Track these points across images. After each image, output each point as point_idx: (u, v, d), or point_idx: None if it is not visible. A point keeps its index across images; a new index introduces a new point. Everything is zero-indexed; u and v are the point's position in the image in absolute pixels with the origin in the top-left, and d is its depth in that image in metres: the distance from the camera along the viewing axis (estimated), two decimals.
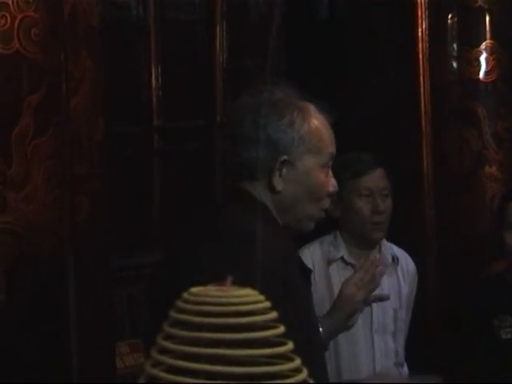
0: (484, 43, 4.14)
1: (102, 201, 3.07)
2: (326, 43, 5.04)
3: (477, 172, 4.14)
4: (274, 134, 1.99)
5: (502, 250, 3.25)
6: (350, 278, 2.48)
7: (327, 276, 3.02)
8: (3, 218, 2.66)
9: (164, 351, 1.07)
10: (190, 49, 5.12)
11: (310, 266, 2.64)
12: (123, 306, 4.69)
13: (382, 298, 2.66)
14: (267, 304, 1.10)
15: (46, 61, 2.73)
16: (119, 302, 4.54)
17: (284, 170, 2.00)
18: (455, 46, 4.18)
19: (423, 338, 3.72)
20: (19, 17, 2.66)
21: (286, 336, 1.73)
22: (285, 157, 1.99)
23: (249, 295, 1.09)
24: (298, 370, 1.06)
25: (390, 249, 3.16)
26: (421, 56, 4.24)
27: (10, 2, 2.64)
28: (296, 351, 1.75)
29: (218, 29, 5.06)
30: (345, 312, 2.37)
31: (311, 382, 1.08)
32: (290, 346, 1.08)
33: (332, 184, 2.08)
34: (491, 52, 4.12)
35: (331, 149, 2.07)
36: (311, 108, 2.05)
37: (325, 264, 3.05)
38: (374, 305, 2.83)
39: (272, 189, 2.00)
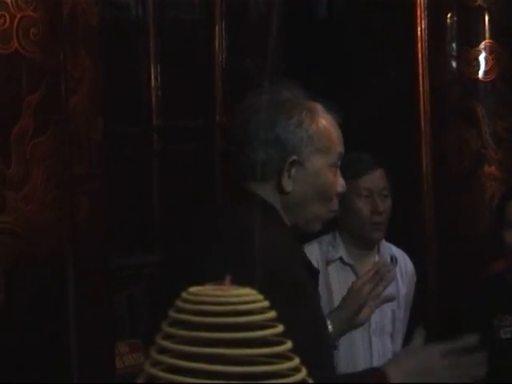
0: (483, 43, 4.14)
1: (101, 201, 3.07)
2: (326, 43, 5.04)
3: (476, 171, 4.15)
4: (283, 134, 1.98)
5: (502, 249, 3.25)
6: (361, 276, 2.46)
7: (326, 276, 3.02)
8: (2, 218, 2.66)
9: (163, 351, 1.07)
10: (190, 49, 5.12)
11: None
12: (123, 305, 4.70)
13: (389, 300, 2.66)
14: (266, 303, 1.10)
15: (45, 60, 2.73)
16: (119, 301, 4.55)
17: (293, 171, 1.98)
18: (454, 45, 4.18)
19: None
20: (18, 16, 2.66)
21: (296, 335, 1.73)
22: (294, 157, 1.98)
23: (248, 295, 1.09)
24: (296, 370, 1.06)
25: (389, 249, 3.16)
26: (420, 56, 4.24)
27: (9, 2, 2.64)
28: (305, 350, 1.74)
29: (217, 29, 5.07)
30: (350, 309, 2.35)
31: (310, 381, 1.08)
32: (289, 345, 1.08)
33: (340, 184, 2.07)
34: (490, 51, 4.12)
35: (340, 148, 2.06)
36: (319, 108, 2.04)
37: (323, 264, 3.05)
38: None
39: (281, 189, 1.99)
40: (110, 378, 3.10)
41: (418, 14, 4.22)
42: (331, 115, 2.06)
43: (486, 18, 4.14)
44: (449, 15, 4.19)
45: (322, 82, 4.55)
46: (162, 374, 1.05)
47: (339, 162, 2.07)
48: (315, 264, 3.00)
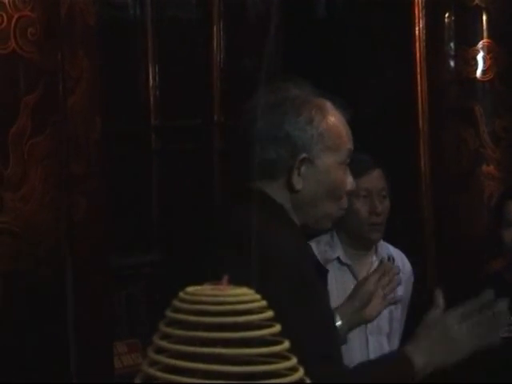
0: (481, 42, 4.14)
1: (99, 200, 3.07)
2: (324, 43, 5.04)
3: (474, 171, 4.15)
4: (293, 132, 1.95)
5: (501, 248, 3.25)
6: (372, 272, 2.45)
7: None
8: (1, 218, 2.66)
9: (160, 350, 1.07)
10: (188, 48, 5.12)
11: None
12: (121, 305, 4.70)
13: (397, 301, 2.66)
14: (263, 303, 1.10)
15: (43, 60, 2.73)
16: (118, 301, 4.55)
17: (303, 169, 1.96)
18: (452, 44, 4.18)
19: None
20: (16, 16, 2.65)
21: (307, 332, 1.72)
22: (304, 155, 1.96)
23: (245, 294, 1.09)
24: (294, 369, 1.06)
25: (386, 249, 3.16)
26: (418, 55, 4.24)
27: (7, 2, 2.64)
28: (317, 346, 1.74)
29: (215, 28, 5.07)
30: (358, 301, 2.33)
31: (308, 381, 1.08)
32: (286, 344, 1.08)
33: (350, 181, 2.05)
34: (488, 51, 4.12)
35: (349, 145, 2.04)
36: (328, 105, 2.02)
37: None
38: None
39: (291, 188, 1.97)
40: (108, 377, 3.10)
41: (416, 13, 4.22)
42: (340, 112, 2.04)
43: (484, 18, 4.14)
44: (447, 15, 4.19)
45: (320, 82, 4.55)
46: (159, 374, 1.05)
47: (348, 160, 2.05)
48: None
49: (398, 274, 2.48)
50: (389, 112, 4.45)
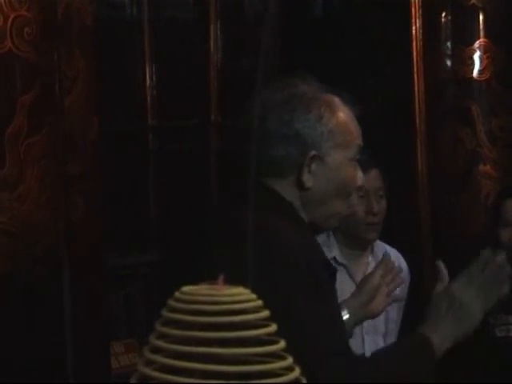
0: (478, 41, 4.14)
1: (96, 200, 3.06)
2: (321, 42, 5.04)
3: (471, 170, 4.15)
4: (302, 129, 1.94)
5: (498, 247, 3.25)
6: (376, 267, 2.45)
7: None
8: None
9: (156, 350, 1.07)
10: (185, 48, 5.12)
11: None
12: (119, 305, 4.70)
13: (399, 299, 2.65)
14: (259, 302, 1.10)
15: (39, 60, 2.72)
16: (115, 301, 4.55)
17: (313, 166, 1.94)
18: (449, 44, 4.18)
19: None
20: (12, 16, 2.65)
21: (319, 327, 1.72)
22: (314, 152, 1.94)
23: (241, 294, 1.09)
24: (289, 369, 1.06)
25: (383, 249, 3.16)
26: (415, 55, 4.24)
27: (3, 1, 2.63)
28: (328, 340, 1.73)
29: (212, 28, 5.07)
30: (364, 295, 2.32)
31: (303, 380, 1.07)
32: (282, 344, 1.08)
33: (360, 177, 2.04)
34: (485, 50, 4.13)
35: (358, 141, 2.03)
36: (337, 101, 2.00)
37: None
38: None
39: (301, 186, 1.95)
40: (105, 377, 3.09)
41: (413, 13, 4.22)
42: (348, 107, 2.02)
43: (481, 17, 4.14)
44: (443, 14, 4.19)
45: (318, 81, 4.55)
46: (155, 374, 1.05)
47: (358, 155, 2.03)
48: None
49: (401, 272, 2.48)
50: (386, 111, 4.46)
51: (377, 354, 1.99)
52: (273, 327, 1.09)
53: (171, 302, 1.09)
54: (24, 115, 2.69)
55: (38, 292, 2.75)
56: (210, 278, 1.12)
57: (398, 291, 2.49)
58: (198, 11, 5.13)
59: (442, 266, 2.02)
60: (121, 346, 4.09)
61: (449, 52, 4.18)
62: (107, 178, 3.33)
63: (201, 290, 1.09)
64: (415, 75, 4.24)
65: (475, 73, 4.15)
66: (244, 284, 1.16)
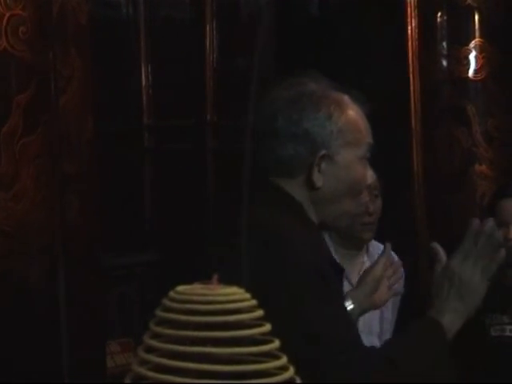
0: (473, 41, 4.14)
1: (91, 200, 3.06)
2: (317, 42, 5.04)
3: (467, 170, 4.15)
4: (312, 128, 1.91)
5: None
6: (378, 258, 2.45)
7: None
8: None
9: (150, 350, 1.07)
10: (181, 48, 5.12)
11: None
12: (115, 305, 4.70)
13: (398, 293, 2.65)
14: (254, 302, 1.10)
15: (35, 59, 2.72)
16: (111, 301, 4.55)
17: (323, 165, 1.92)
18: (445, 44, 4.18)
19: None
20: (7, 15, 2.65)
21: (329, 324, 1.72)
22: (323, 151, 1.92)
23: (235, 293, 1.09)
24: (284, 368, 1.06)
25: (378, 248, 3.16)
26: (410, 55, 4.24)
27: None
28: (339, 337, 1.73)
29: (208, 28, 5.07)
30: (368, 285, 2.31)
31: (298, 380, 1.07)
32: (277, 343, 1.08)
33: (370, 175, 2.03)
34: (480, 50, 4.13)
35: (368, 139, 2.01)
36: (346, 99, 1.98)
37: None
38: None
39: (311, 185, 1.93)
40: (100, 377, 3.09)
41: (409, 13, 4.23)
42: (358, 105, 2.00)
43: (476, 17, 4.15)
44: (439, 14, 4.20)
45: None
46: (149, 374, 1.05)
47: (368, 154, 2.02)
48: None
49: (401, 266, 2.48)
50: (381, 111, 4.45)
51: (389, 346, 1.95)
52: (267, 327, 1.08)
53: (165, 302, 1.09)
54: (19, 114, 2.69)
55: (33, 292, 2.74)
56: (213, 278, 1.12)
57: (397, 286, 2.50)
58: (193, 11, 5.13)
59: (438, 246, 2.01)
60: (116, 346, 4.09)
61: (444, 52, 4.18)
62: (103, 177, 3.32)
63: (195, 289, 1.09)
64: (411, 75, 4.25)
65: (471, 73, 4.15)
66: (249, 284, 1.16)
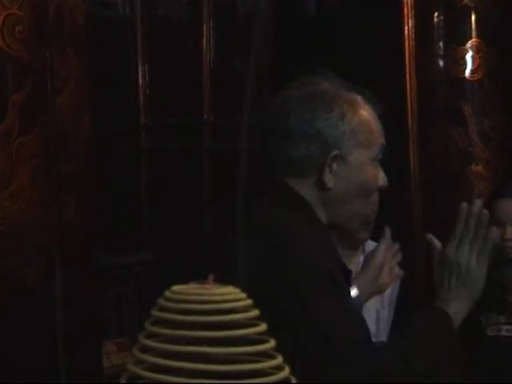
0: (470, 41, 4.15)
1: (88, 199, 3.06)
2: (314, 42, 5.05)
3: (463, 170, 4.15)
4: (324, 128, 1.90)
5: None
6: (380, 242, 2.45)
7: None
8: None
9: (146, 349, 1.07)
10: (177, 47, 5.12)
11: None
12: (111, 304, 4.69)
13: (399, 276, 2.65)
14: (249, 302, 1.10)
15: (31, 59, 2.72)
16: (107, 300, 4.54)
17: (334, 166, 1.91)
18: (441, 44, 4.19)
19: None
20: (3, 14, 2.64)
21: (339, 322, 1.72)
22: (335, 152, 1.90)
23: (231, 293, 1.09)
24: (279, 368, 1.06)
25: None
26: (407, 55, 4.24)
27: None
28: (345, 334, 1.73)
29: (204, 28, 5.07)
30: (371, 270, 2.32)
31: (293, 380, 1.08)
32: (272, 343, 1.08)
33: (382, 177, 2.01)
34: (477, 50, 4.13)
35: (381, 140, 2.00)
36: (359, 99, 1.97)
37: None
38: None
39: (322, 186, 1.92)
40: (97, 377, 3.09)
41: (405, 13, 4.23)
42: (370, 106, 2.00)
43: (473, 17, 4.15)
44: (436, 14, 4.20)
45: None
46: (144, 373, 1.05)
47: (380, 155, 2.00)
48: None
49: (399, 249, 2.48)
50: (378, 111, 4.45)
51: (399, 340, 1.90)
52: (262, 326, 1.09)
53: (161, 301, 1.09)
54: (16, 114, 2.68)
55: (30, 291, 2.74)
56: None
57: (397, 270, 2.50)
58: (190, 11, 5.13)
59: (431, 236, 2.02)
60: (113, 345, 4.09)
61: (441, 52, 4.19)
62: (100, 177, 3.32)
63: (191, 289, 1.09)
64: (407, 75, 4.25)
65: (467, 73, 4.16)
66: (247, 283, 1.16)
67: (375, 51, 4.71)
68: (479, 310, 3.02)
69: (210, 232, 5.01)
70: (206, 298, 1.07)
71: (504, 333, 3.03)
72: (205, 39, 5.07)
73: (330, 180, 1.91)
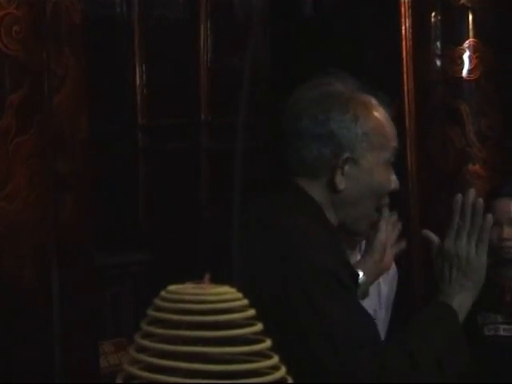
0: (467, 41, 4.15)
1: (85, 199, 3.06)
2: (311, 42, 5.05)
3: (461, 170, 4.16)
4: (337, 130, 1.88)
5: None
6: (381, 221, 2.45)
7: None
8: None
9: (142, 349, 1.07)
10: (175, 47, 5.12)
11: None
12: (108, 304, 4.69)
13: (400, 247, 2.65)
14: (245, 301, 1.10)
15: (28, 59, 2.72)
16: (105, 300, 4.54)
17: (346, 168, 1.89)
18: (438, 44, 4.19)
19: None
20: (0, 14, 2.64)
21: (343, 322, 1.72)
22: (348, 154, 1.89)
23: (227, 293, 1.09)
24: (275, 368, 1.06)
25: None
26: (404, 54, 4.24)
27: None
28: (352, 333, 1.73)
29: (202, 28, 5.07)
30: (376, 250, 2.31)
31: (289, 380, 1.07)
32: (268, 343, 1.08)
33: (394, 180, 2.00)
34: (474, 50, 4.14)
35: (394, 143, 1.99)
36: (373, 102, 1.95)
37: None
38: None
39: (333, 187, 1.91)
40: (94, 377, 3.09)
41: (403, 12, 4.23)
42: (384, 108, 1.98)
43: (470, 17, 4.15)
44: (433, 14, 4.20)
45: (306, 82, 4.55)
46: (140, 373, 1.05)
47: (393, 158, 1.99)
48: None
49: (399, 222, 2.47)
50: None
51: (406, 339, 1.88)
52: (258, 326, 1.08)
53: (157, 301, 1.09)
54: (12, 114, 2.68)
55: (27, 291, 2.74)
56: (204, 278, 1.12)
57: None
58: (187, 10, 5.13)
59: (428, 232, 2.01)
60: (110, 346, 4.09)
61: (438, 52, 4.19)
62: (97, 177, 3.32)
63: (187, 289, 1.09)
64: (405, 75, 4.25)
65: (465, 72, 4.16)
66: (244, 283, 1.15)
67: (372, 51, 4.71)
68: (476, 310, 3.02)
69: (208, 232, 5.01)
70: (202, 297, 1.07)
71: (502, 332, 3.03)
72: (202, 39, 5.07)
73: (341, 182, 1.91)
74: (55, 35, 2.89)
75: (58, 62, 2.90)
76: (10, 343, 2.70)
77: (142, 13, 5.03)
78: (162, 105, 5.08)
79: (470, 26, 4.15)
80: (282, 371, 1.07)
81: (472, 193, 1.95)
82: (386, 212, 2.41)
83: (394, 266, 3.20)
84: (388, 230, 2.33)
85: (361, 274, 2.28)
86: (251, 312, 1.09)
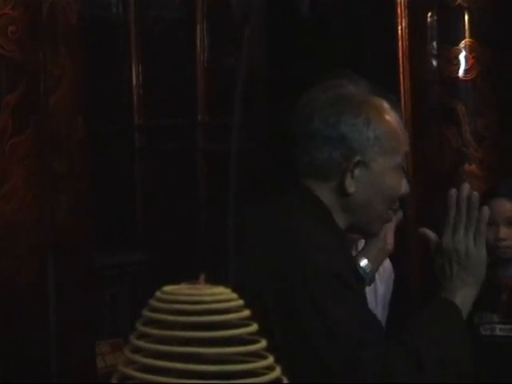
0: (463, 41, 4.15)
1: (81, 200, 3.06)
2: (307, 42, 5.05)
3: (457, 170, 4.16)
4: (349, 133, 1.87)
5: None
6: None
7: None
8: None
9: (137, 350, 1.07)
10: (171, 48, 5.12)
11: None
12: (106, 304, 4.69)
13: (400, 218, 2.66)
14: (240, 302, 1.10)
15: (24, 59, 2.72)
16: (102, 300, 4.54)
17: (357, 171, 1.88)
18: (435, 44, 4.19)
19: None
20: None
21: (348, 323, 1.72)
22: (358, 157, 1.87)
23: (222, 293, 1.09)
24: (271, 368, 1.06)
25: None
26: (401, 54, 4.25)
27: None
28: (357, 333, 1.73)
29: (198, 28, 5.07)
30: (380, 242, 2.33)
31: (285, 380, 1.08)
32: (263, 343, 1.08)
33: (404, 184, 1.98)
34: (471, 50, 4.14)
35: (405, 147, 1.97)
36: (385, 105, 1.93)
37: None
38: None
39: (343, 191, 1.89)
40: (91, 377, 3.09)
41: (399, 13, 4.23)
42: (396, 112, 1.96)
43: (466, 17, 4.16)
44: (429, 14, 4.20)
45: (304, 81, 4.55)
46: (135, 374, 1.05)
47: (404, 162, 1.99)
48: None
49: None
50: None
51: (411, 337, 1.87)
52: (254, 326, 1.08)
53: (152, 302, 1.09)
54: (9, 114, 2.68)
55: (23, 292, 2.74)
56: (200, 278, 1.12)
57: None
58: (184, 11, 5.13)
59: (425, 230, 2.01)
60: (107, 346, 4.09)
61: (435, 52, 4.19)
62: (94, 177, 3.32)
63: (182, 289, 1.09)
64: (401, 75, 4.25)
65: (461, 72, 4.16)
66: (244, 283, 1.15)
67: (369, 51, 4.71)
68: (472, 310, 3.02)
69: (206, 232, 5.01)
70: (198, 298, 1.07)
71: (498, 332, 3.03)
72: (199, 39, 5.07)
73: (350, 185, 1.89)
74: (51, 36, 2.89)
75: (55, 63, 2.90)
76: (7, 343, 2.70)
77: (139, 13, 5.03)
78: (158, 105, 5.09)
79: (467, 26, 4.16)
80: (278, 371, 1.07)
81: (466, 187, 1.94)
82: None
83: (390, 265, 3.21)
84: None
85: (365, 261, 2.28)
86: (246, 312, 1.09)
